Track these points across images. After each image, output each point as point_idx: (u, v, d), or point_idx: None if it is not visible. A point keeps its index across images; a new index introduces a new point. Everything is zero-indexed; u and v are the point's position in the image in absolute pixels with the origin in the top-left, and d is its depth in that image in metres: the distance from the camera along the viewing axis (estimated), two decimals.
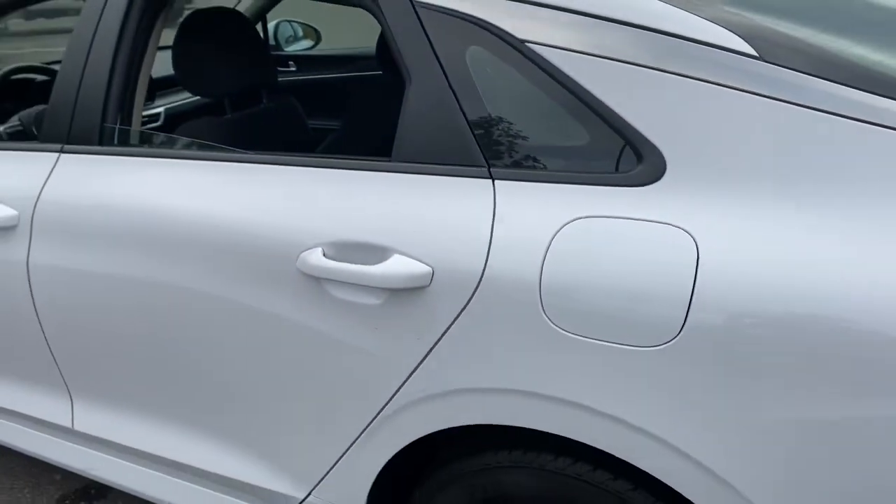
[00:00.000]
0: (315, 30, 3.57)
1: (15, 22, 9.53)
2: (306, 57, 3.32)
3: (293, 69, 3.25)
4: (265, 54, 2.13)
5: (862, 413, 0.91)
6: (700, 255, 0.98)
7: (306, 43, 3.54)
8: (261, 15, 3.09)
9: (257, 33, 2.11)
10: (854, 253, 0.91)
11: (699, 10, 1.11)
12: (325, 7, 2.21)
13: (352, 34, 3.30)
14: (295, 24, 3.57)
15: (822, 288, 0.92)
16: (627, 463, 1.07)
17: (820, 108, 0.99)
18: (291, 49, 3.40)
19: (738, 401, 0.96)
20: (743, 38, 1.06)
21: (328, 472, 1.38)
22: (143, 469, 1.71)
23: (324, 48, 3.56)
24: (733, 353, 0.96)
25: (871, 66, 1.06)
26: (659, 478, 1.04)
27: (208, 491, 1.62)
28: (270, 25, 3.32)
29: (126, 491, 1.76)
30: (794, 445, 0.95)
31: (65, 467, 1.86)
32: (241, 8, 2.97)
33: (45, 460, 1.90)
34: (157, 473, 1.69)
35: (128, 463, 1.73)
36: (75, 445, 1.81)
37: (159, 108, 2.66)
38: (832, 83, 1.00)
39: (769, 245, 0.96)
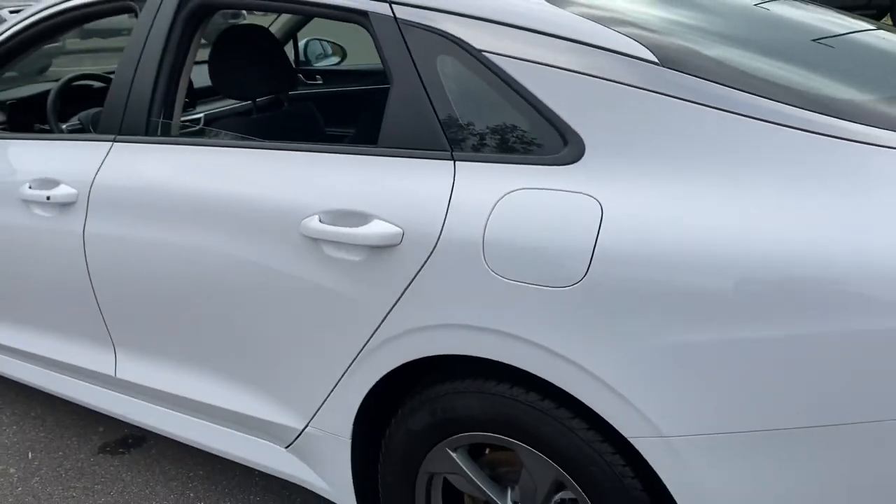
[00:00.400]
0: (341, 47, 3.90)
1: (71, 41, 10.10)
2: (331, 71, 3.65)
3: (319, 82, 3.58)
4: (287, 66, 2.45)
5: (718, 337, 1.17)
6: (603, 217, 1.26)
7: (334, 59, 3.88)
8: (291, 34, 3.44)
9: (281, 47, 2.44)
10: (714, 215, 1.18)
11: (616, 26, 1.39)
12: (351, 27, 2.53)
13: (374, 52, 3.61)
14: (324, 43, 3.91)
15: (689, 241, 1.19)
16: (552, 385, 1.35)
17: (706, 104, 1.26)
18: (319, 65, 3.74)
19: (628, 330, 1.23)
20: (648, 49, 1.34)
21: (322, 405, 1.67)
22: (171, 412, 2.02)
23: (348, 64, 3.89)
24: (625, 292, 1.23)
25: (748, 70, 1.33)
26: (567, 390, 1.31)
27: (225, 429, 1.92)
28: (301, 43, 3.66)
29: (156, 431, 2.07)
30: (671, 364, 1.21)
31: (106, 413, 2.18)
32: (274, 26, 3.33)
33: (91, 408, 2.22)
34: (183, 415, 2.00)
35: (158, 407, 2.05)
36: (115, 393, 2.13)
37: (199, 114, 3.00)
38: (717, 84, 1.27)
39: (657, 210, 1.23)
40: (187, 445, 2.06)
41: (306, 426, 1.73)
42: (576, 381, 1.30)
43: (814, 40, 1.62)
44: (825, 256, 1.10)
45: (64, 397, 2.28)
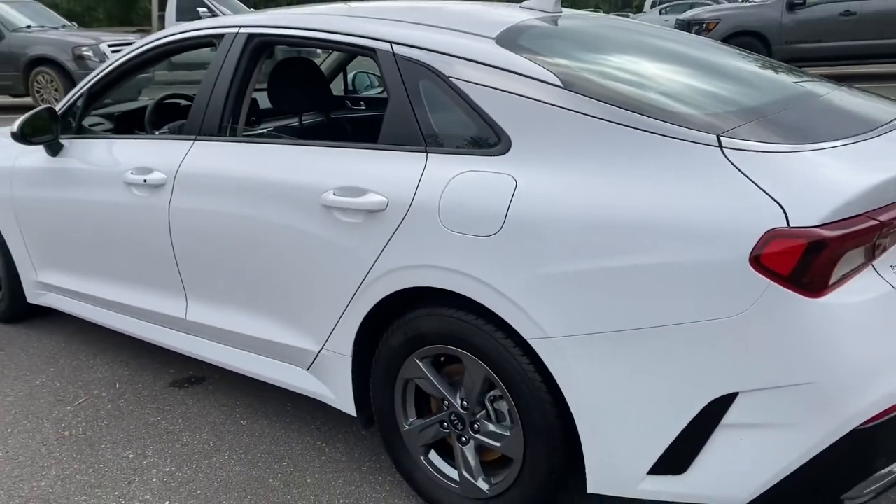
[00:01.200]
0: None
1: (160, 73, 11.17)
2: (373, 99, 4.34)
3: (363, 108, 4.27)
4: (324, 88, 3.13)
5: (582, 267, 1.75)
6: (517, 188, 1.86)
7: (378, 89, 4.57)
8: (341, 67, 4.14)
9: (322, 75, 3.12)
10: (583, 188, 1.77)
11: (538, 61, 2.00)
12: None
13: None
14: (371, 76, 4.62)
15: (568, 205, 1.78)
16: (482, 306, 1.93)
17: (588, 114, 1.86)
18: (364, 93, 4.43)
19: (526, 263, 1.82)
20: (556, 76, 1.94)
21: (332, 330, 2.29)
22: (226, 347, 2.67)
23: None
24: (525, 238, 1.82)
25: (618, 90, 1.92)
26: (488, 307, 1.90)
27: (265, 358, 2.56)
28: (350, 76, 4.37)
29: (214, 363, 2.72)
30: (553, 285, 1.79)
31: (177, 350, 2.84)
32: (326, 62, 4.04)
33: (166, 347, 2.89)
34: (235, 349, 2.64)
35: (216, 343, 2.70)
36: (184, 334, 2.80)
37: (263, 129, 3.71)
38: (597, 100, 1.87)
39: (550, 185, 1.82)
40: (236, 383, 2.70)
41: (321, 349, 2.35)
42: (493, 300, 1.89)
43: (679, 66, 2.21)
44: (641, 214, 1.69)
45: (147, 340, 2.96)
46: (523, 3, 2.64)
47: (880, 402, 1.63)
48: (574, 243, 1.77)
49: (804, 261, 1.57)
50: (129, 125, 3.51)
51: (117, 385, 3.06)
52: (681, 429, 1.73)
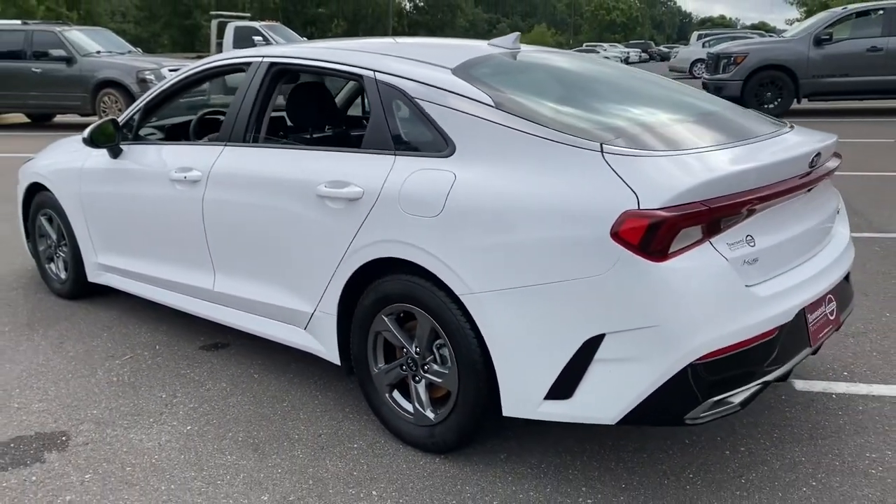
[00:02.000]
0: None
1: (216, 96, 12.06)
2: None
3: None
4: (334, 108, 3.78)
5: (498, 240, 2.33)
6: (455, 182, 2.46)
7: None
8: (359, 92, 4.79)
9: (331, 96, 3.78)
10: (502, 180, 2.36)
11: (478, 86, 2.61)
12: None
13: None
14: None
15: (490, 193, 2.37)
16: (428, 271, 2.52)
17: (510, 126, 2.45)
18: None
19: (458, 237, 2.41)
20: (490, 97, 2.55)
21: (322, 294, 2.90)
22: (244, 313, 3.30)
23: None
24: (459, 218, 2.41)
25: (538, 110, 2.50)
26: (432, 271, 2.48)
27: (272, 321, 3.18)
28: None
29: (235, 327, 3.35)
30: (478, 253, 2.37)
31: (206, 317, 3.49)
32: (344, 90, 4.70)
33: (196, 314, 3.54)
34: (250, 314, 3.28)
35: (237, 310, 3.34)
36: (211, 303, 3.45)
37: (277, 137, 4.37)
38: (517, 117, 2.46)
39: (480, 178, 2.42)
40: (254, 348, 3.33)
41: (315, 310, 2.97)
42: (436, 266, 2.48)
43: (594, 90, 2.80)
44: (538, 201, 2.27)
45: (182, 309, 3.62)
46: (490, 41, 3.26)
47: (710, 344, 2.17)
48: (490, 222, 2.35)
49: (648, 234, 2.13)
50: (175, 134, 4.21)
51: (157, 347, 3.72)
52: (566, 362, 2.29)
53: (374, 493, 2.49)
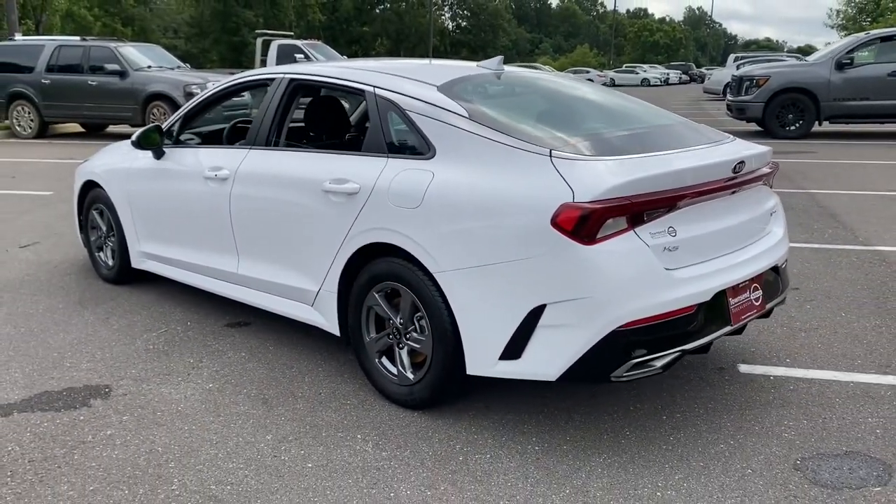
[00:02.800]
0: None
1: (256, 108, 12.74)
2: None
3: None
4: (344, 118, 4.33)
5: (462, 227, 2.83)
6: (433, 179, 2.97)
7: None
8: None
9: (343, 109, 4.32)
10: (470, 178, 2.86)
11: (457, 101, 3.12)
12: None
13: None
14: None
15: (459, 189, 2.87)
16: (408, 253, 3.03)
17: (480, 134, 2.95)
18: None
19: (433, 224, 2.91)
20: (465, 109, 3.05)
21: (326, 274, 3.42)
22: (261, 292, 3.84)
23: None
24: (435, 209, 2.92)
25: (504, 121, 3.00)
26: (412, 253, 2.98)
27: (285, 299, 3.71)
28: None
29: (254, 305, 3.89)
30: (447, 237, 2.87)
31: (230, 297, 4.04)
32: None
33: (222, 294, 4.09)
34: (266, 294, 3.81)
35: (255, 290, 3.88)
36: (235, 284, 4.00)
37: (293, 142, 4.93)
38: (486, 127, 2.96)
39: (453, 176, 2.92)
40: (272, 326, 3.86)
41: (320, 289, 3.49)
42: (415, 249, 2.98)
43: (557, 105, 3.28)
44: (496, 196, 2.76)
45: (211, 290, 4.18)
46: (479, 63, 3.78)
47: (631, 314, 2.63)
48: (458, 212, 2.85)
49: (580, 223, 2.60)
50: (211, 140, 4.80)
51: (188, 323, 4.28)
52: (515, 328, 2.76)
53: (358, 436, 2.99)
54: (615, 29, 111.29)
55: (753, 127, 14.79)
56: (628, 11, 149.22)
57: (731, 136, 3.46)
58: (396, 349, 3.22)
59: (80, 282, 5.10)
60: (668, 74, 56.53)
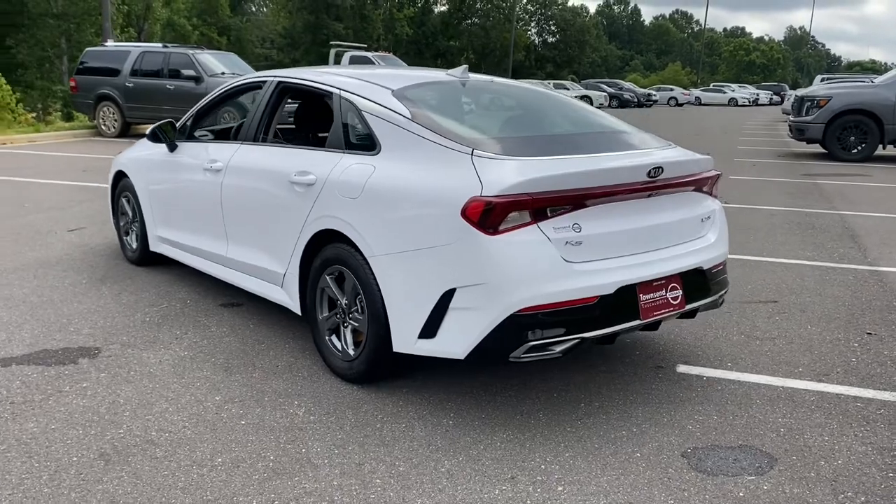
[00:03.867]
0: None
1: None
2: None
3: None
4: (325, 118, 4.68)
5: (392, 216, 3.12)
6: (373, 172, 3.28)
7: None
8: None
9: (325, 109, 4.67)
10: (406, 172, 3.16)
11: (406, 103, 3.42)
12: None
13: None
14: None
15: (395, 181, 3.17)
16: (350, 239, 3.33)
17: (418, 134, 3.25)
18: None
19: (369, 213, 3.21)
20: (408, 110, 3.35)
21: (290, 257, 3.77)
22: (243, 273, 4.22)
23: None
24: (370, 199, 3.22)
25: (440, 122, 3.28)
26: (352, 239, 3.29)
27: (260, 280, 4.08)
28: None
29: (237, 285, 4.28)
30: (379, 226, 3.17)
31: (220, 278, 4.44)
32: None
33: (214, 275, 4.50)
34: (246, 275, 4.19)
35: (238, 271, 4.26)
36: (224, 266, 4.40)
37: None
38: (423, 127, 3.25)
39: (390, 170, 3.22)
40: (260, 308, 4.24)
41: (286, 271, 3.84)
42: (354, 235, 3.29)
43: (498, 111, 3.53)
44: (422, 188, 3.04)
45: (205, 271, 4.59)
46: (448, 71, 4.07)
47: (528, 301, 2.86)
48: (388, 202, 3.15)
49: (484, 214, 2.86)
50: (221, 136, 5.25)
51: (187, 302, 4.71)
52: (430, 309, 3.03)
53: (295, 402, 3.30)
54: (709, 47, 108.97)
55: (817, 149, 14.48)
56: (725, 30, 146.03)
57: (672, 145, 3.64)
58: (342, 327, 3.53)
59: (108, 262, 5.62)
60: (757, 94, 55.14)
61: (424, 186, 3.06)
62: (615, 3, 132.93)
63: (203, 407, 3.26)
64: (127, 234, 5.64)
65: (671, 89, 54.00)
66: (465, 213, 2.89)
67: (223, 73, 15.01)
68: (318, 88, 3.94)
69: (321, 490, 2.63)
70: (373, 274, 3.25)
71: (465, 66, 4.01)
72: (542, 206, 2.91)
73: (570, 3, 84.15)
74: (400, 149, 3.28)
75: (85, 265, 5.53)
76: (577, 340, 2.98)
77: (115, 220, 5.79)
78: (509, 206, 2.86)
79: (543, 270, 2.90)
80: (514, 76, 50.35)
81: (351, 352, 3.47)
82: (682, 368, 3.74)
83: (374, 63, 18.82)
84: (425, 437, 3.01)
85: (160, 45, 15.96)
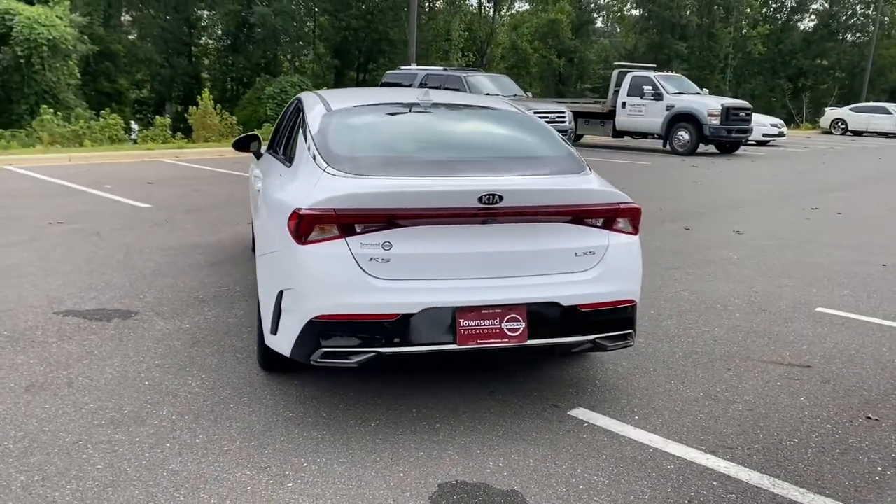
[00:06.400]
0: None
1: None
2: None
3: None
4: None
5: (262, 220, 3.53)
6: (278, 181, 3.71)
7: None
8: None
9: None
10: (285, 182, 3.55)
11: (325, 122, 3.78)
12: None
13: None
14: None
15: (275, 189, 3.58)
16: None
17: (310, 149, 3.61)
18: None
19: (260, 216, 3.65)
20: (319, 132, 3.72)
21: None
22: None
23: None
24: (262, 204, 3.65)
25: (328, 142, 3.58)
26: (256, 236, 3.74)
27: None
28: None
29: None
30: (259, 228, 3.59)
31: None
32: None
33: None
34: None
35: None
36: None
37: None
38: (315, 144, 3.61)
39: (279, 180, 3.63)
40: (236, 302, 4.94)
41: None
42: (255, 235, 3.75)
43: (404, 133, 3.68)
44: (282, 199, 3.42)
45: None
46: (418, 94, 4.27)
47: (322, 309, 3.08)
48: (265, 208, 3.56)
49: (297, 225, 3.14)
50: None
51: (237, 289, 5.51)
52: (272, 309, 3.37)
53: (191, 378, 3.84)
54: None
55: None
56: None
57: (587, 172, 3.49)
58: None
59: (226, 250, 6.69)
60: None
61: (282, 198, 3.42)
62: None
63: (158, 373, 3.98)
64: None
65: None
66: (288, 223, 3.20)
67: (487, 94, 16.02)
68: (299, 106, 4.42)
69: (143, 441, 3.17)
70: (256, 272, 3.69)
71: (426, 90, 4.18)
72: (348, 221, 3.09)
73: None
74: (297, 160, 3.67)
75: (205, 251, 6.67)
76: (372, 354, 3.10)
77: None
78: (314, 219, 3.10)
79: (342, 282, 3.08)
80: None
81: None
82: (575, 412, 3.53)
83: (653, 84, 18.33)
84: (296, 419, 3.37)
85: (441, 67, 17.53)
